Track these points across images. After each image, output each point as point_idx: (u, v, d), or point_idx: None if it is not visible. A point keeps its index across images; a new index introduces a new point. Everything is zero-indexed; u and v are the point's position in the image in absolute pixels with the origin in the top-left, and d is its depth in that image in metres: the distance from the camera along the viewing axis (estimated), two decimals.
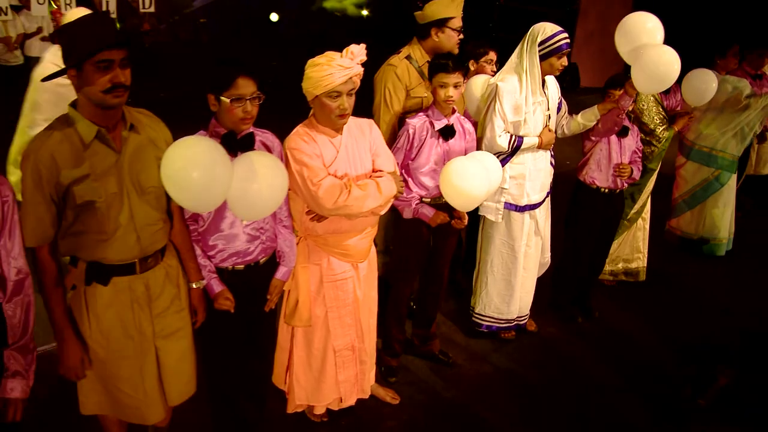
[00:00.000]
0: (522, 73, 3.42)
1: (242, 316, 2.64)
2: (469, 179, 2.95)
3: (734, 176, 4.94)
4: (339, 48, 2.59)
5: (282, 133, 2.71)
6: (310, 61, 2.62)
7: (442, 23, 3.33)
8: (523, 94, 3.42)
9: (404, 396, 3.38)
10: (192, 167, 2.03)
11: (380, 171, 2.83)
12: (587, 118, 3.72)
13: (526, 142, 3.46)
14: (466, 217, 3.30)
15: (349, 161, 2.76)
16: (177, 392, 2.49)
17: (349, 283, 2.93)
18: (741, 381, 3.45)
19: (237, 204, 2.22)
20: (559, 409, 3.34)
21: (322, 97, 2.60)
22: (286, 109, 3.55)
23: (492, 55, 4.02)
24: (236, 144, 2.42)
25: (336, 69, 2.55)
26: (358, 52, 2.61)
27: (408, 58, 3.38)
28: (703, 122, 4.79)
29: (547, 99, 3.52)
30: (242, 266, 2.60)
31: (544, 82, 3.48)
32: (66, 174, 2.07)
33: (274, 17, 14.64)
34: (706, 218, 4.96)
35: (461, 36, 3.40)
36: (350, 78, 2.58)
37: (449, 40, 3.36)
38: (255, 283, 2.69)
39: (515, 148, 3.44)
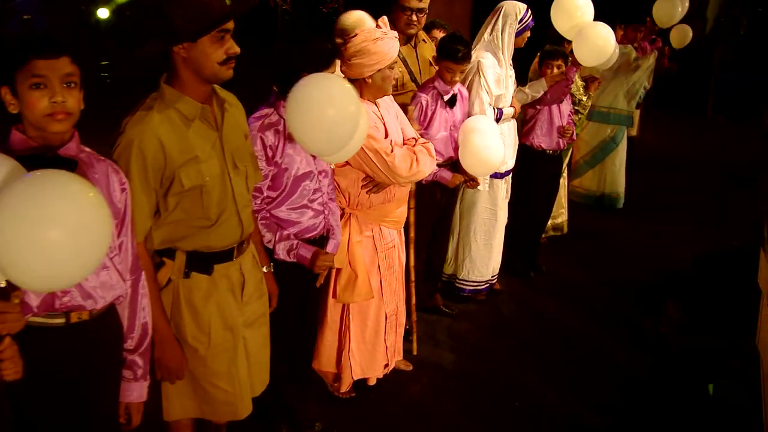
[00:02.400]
0: (498, 50, 3.64)
1: (296, 296, 2.55)
2: (492, 151, 3.13)
3: (626, 137, 5.62)
4: None
5: None
6: (364, 37, 2.58)
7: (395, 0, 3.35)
8: (503, 69, 3.64)
9: (415, 361, 3.46)
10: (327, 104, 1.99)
11: (413, 138, 2.88)
12: (536, 89, 4.03)
13: (506, 113, 3.69)
14: (479, 179, 3.47)
15: (392, 130, 2.78)
16: (260, 382, 2.36)
17: (396, 249, 3.02)
18: (688, 310, 4.01)
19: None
20: (552, 353, 3.64)
21: (385, 69, 2.62)
22: None
23: None
24: None
25: (393, 40, 2.58)
26: (387, 21, 2.67)
27: None
28: (601, 86, 5.38)
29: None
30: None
31: None
32: (174, 158, 1.88)
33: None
34: (606, 175, 5.61)
35: (413, 17, 3.33)
36: None
37: (397, 18, 3.35)
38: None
39: (497, 120, 3.64)
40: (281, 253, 2.42)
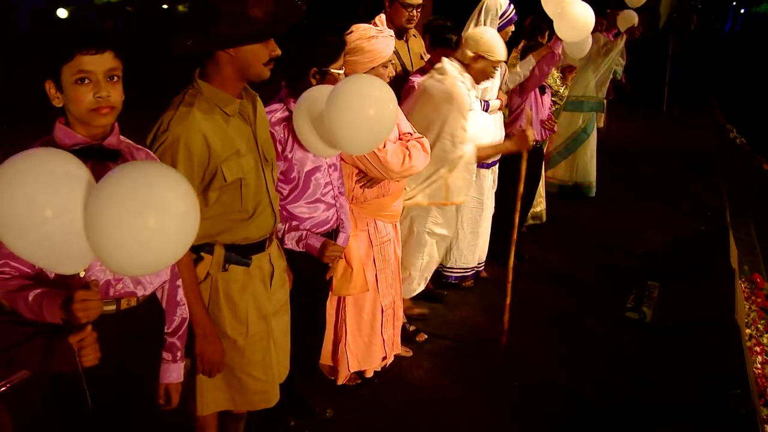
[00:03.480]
0: None
1: (307, 290, 2.61)
2: None
3: (595, 128, 5.83)
4: None
5: None
6: (359, 35, 2.65)
7: None
8: None
9: (414, 347, 3.58)
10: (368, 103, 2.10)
11: (408, 133, 2.96)
12: (526, 67, 4.18)
13: (493, 105, 3.81)
14: None
15: None
16: (284, 368, 2.43)
17: (391, 243, 3.05)
18: (667, 289, 4.21)
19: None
20: (543, 334, 3.80)
21: (379, 67, 2.68)
22: None
23: None
24: None
25: (389, 38, 2.65)
26: (384, 19, 2.74)
27: None
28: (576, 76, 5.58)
29: None
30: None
31: None
32: (218, 153, 1.94)
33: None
34: (578, 165, 5.82)
35: (412, 13, 3.43)
36: None
37: (398, 15, 3.44)
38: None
39: (485, 111, 3.76)
40: (290, 242, 2.48)
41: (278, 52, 1.93)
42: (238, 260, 2.11)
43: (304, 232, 2.49)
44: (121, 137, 1.75)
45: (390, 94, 2.21)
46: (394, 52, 3.40)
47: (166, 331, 1.91)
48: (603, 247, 5.01)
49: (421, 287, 3.66)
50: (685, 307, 3.97)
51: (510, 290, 3.56)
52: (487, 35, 3.19)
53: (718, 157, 7.66)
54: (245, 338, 2.16)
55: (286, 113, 2.41)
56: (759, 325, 4.00)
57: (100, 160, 1.61)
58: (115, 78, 1.62)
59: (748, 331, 3.90)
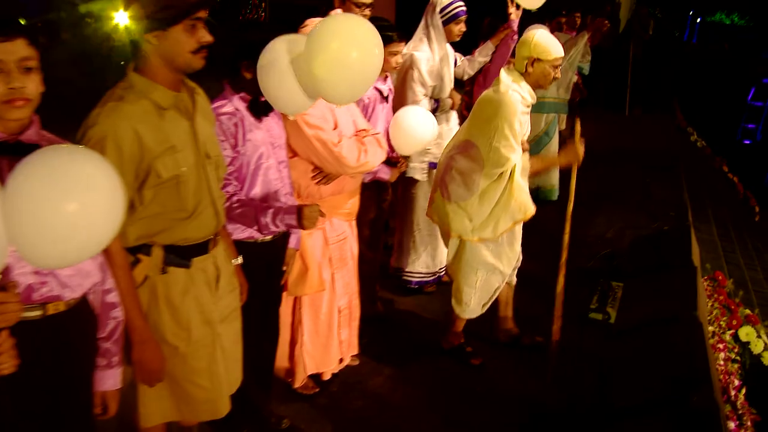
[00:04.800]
0: (430, 42, 3.70)
1: (260, 296, 2.51)
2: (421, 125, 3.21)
3: (557, 131, 5.81)
4: None
5: None
6: (311, 28, 2.56)
7: None
8: (436, 60, 3.70)
9: (374, 354, 3.48)
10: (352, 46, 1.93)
11: (364, 129, 2.89)
12: (485, 53, 4.14)
13: (443, 104, 3.75)
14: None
15: (343, 121, 2.79)
16: (234, 378, 2.32)
17: (348, 241, 2.98)
18: (629, 289, 4.19)
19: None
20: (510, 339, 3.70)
21: None
22: None
23: None
24: (262, 108, 2.34)
25: None
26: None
27: None
28: None
29: (450, 64, 3.84)
30: (271, 237, 2.49)
31: None
32: (151, 148, 1.83)
33: None
34: None
35: (367, 12, 3.32)
36: None
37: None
38: (272, 257, 2.58)
39: (434, 111, 3.70)
40: (269, 221, 2.34)
41: (208, 38, 1.84)
42: (178, 262, 2.00)
43: (277, 208, 2.36)
44: (44, 132, 1.64)
45: (377, 36, 2.03)
46: None
47: (100, 335, 1.80)
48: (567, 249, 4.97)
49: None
50: (649, 306, 3.94)
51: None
52: (537, 36, 3.03)
53: (680, 159, 7.74)
54: (188, 345, 2.05)
55: (233, 108, 2.33)
56: (722, 322, 4.00)
57: (17, 156, 1.50)
58: (31, 68, 1.51)
59: (710, 328, 3.89)
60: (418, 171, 3.84)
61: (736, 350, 3.93)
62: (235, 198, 2.32)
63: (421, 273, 4.07)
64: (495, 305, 3.53)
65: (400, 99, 3.65)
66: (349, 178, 2.84)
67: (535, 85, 3.10)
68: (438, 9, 3.66)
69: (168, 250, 1.98)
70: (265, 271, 2.52)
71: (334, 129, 2.71)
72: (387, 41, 3.15)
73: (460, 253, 3.28)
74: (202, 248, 2.05)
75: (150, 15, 1.75)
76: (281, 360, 2.98)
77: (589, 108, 9.33)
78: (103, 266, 1.78)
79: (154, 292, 1.99)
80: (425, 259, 4.03)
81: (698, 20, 17.88)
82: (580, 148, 3.16)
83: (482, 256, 3.24)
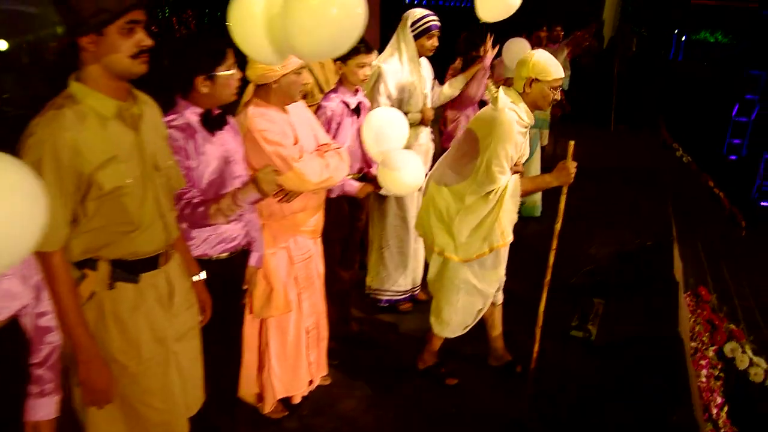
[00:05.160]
0: (401, 55, 3.65)
1: (219, 314, 2.42)
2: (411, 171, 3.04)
3: (539, 147, 5.76)
4: None
5: None
6: None
7: None
8: (405, 74, 3.64)
9: (345, 377, 3.38)
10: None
11: (325, 144, 2.83)
12: (455, 87, 4.09)
13: (410, 118, 3.69)
14: None
15: (304, 137, 2.72)
16: (194, 399, 2.23)
17: (313, 259, 2.90)
18: (611, 306, 4.10)
19: None
20: (485, 355, 3.61)
21: (291, 74, 2.56)
22: None
23: None
24: (216, 122, 2.28)
25: None
26: None
27: None
28: None
29: (424, 78, 3.78)
30: (227, 254, 2.40)
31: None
32: (91, 159, 1.75)
33: None
34: None
35: None
36: None
37: None
38: (229, 276, 2.49)
39: None
40: (226, 208, 2.23)
41: (148, 42, 1.76)
42: (126, 277, 1.91)
43: (233, 191, 2.27)
44: None
45: None
46: (309, 71, 3.30)
47: (32, 361, 1.69)
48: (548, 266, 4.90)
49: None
50: (630, 323, 3.86)
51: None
52: (536, 56, 2.93)
53: (665, 175, 7.71)
54: (138, 363, 1.95)
55: (184, 122, 2.25)
56: (704, 338, 3.92)
57: None
58: None
59: (693, 344, 3.82)
60: None
61: (719, 367, 3.86)
62: (196, 198, 2.24)
63: (391, 291, 3.98)
64: (482, 325, 3.44)
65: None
66: (311, 194, 2.76)
67: (533, 106, 3.01)
68: (409, 22, 3.61)
69: (115, 265, 1.89)
70: (222, 290, 2.42)
71: (295, 144, 2.64)
72: (354, 53, 3.10)
73: (443, 270, 3.19)
74: (151, 263, 1.96)
75: (82, 19, 1.67)
76: (250, 385, 2.88)
77: (573, 124, 9.34)
78: (38, 287, 1.69)
79: (101, 309, 1.90)
80: (395, 277, 3.94)
81: (683, 38, 18.13)
82: (572, 170, 3.08)
83: (464, 276, 3.15)
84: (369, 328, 3.87)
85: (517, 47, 4.91)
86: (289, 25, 1.81)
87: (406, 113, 3.63)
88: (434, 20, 3.63)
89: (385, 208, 3.83)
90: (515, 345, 3.69)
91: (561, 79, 2.99)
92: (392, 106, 3.58)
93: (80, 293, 1.86)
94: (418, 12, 3.63)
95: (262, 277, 2.71)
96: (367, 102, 3.40)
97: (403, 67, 3.64)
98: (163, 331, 2.01)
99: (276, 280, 2.73)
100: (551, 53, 5.50)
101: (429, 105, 3.83)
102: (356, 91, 3.27)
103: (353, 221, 3.45)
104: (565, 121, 7.27)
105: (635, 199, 6.72)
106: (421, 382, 3.36)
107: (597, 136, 9.89)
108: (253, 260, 2.55)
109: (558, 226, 3.20)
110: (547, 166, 6.24)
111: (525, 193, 3.12)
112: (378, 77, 3.59)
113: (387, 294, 4.00)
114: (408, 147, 3.69)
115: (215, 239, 2.35)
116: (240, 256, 2.48)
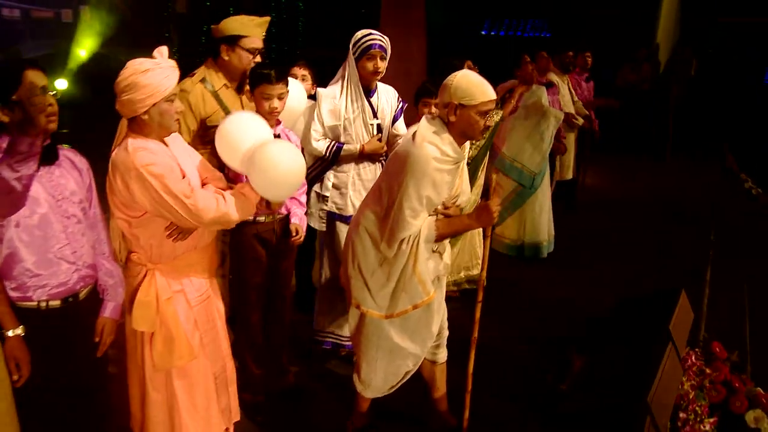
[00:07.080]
0: (344, 81, 3.43)
1: (61, 374, 2.23)
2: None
3: (547, 180, 5.31)
4: None
5: None
6: (133, 69, 2.29)
7: (233, 41, 3.12)
8: (343, 100, 3.40)
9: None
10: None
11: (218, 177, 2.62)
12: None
13: (346, 149, 3.42)
14: (302, 231, 3.19)
15: (188, 170, 2.49)
16: None
17: (212, 300, 2.70)
18: (591, 364, 3.62)
19: None
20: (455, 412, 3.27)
21: (161, 103, 2.32)
22: None
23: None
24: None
25: (169, 70, 2.32)
26: (165, 51, 2.41)
27: (203, 81, 3.16)
28: (510, 129, 5.10)
29: (374, 108, 3.47)
30: (58, 302, 2.21)
31: (371, 89, 3.45)
32: None
33: None
34: (526, 223, 5.28)
35: (256, 59, 3.18)
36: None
37: (240, 60, 3.15)
38: (74, 326, 2.30)
39: (334, 155, 3.38)
40: None
41: None
42: None
43: None
44: None
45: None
46: (220, 103, 3.11)
47: None
48: (540, 314, 4.48)
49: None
50: (604, 385, 3.38)
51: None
52: (458, 78, 2.60)
53: (717, 209, 6.97)
54: None
55: None
56: (697, 408, 3.36)
57: None
58: None
59: (682, 414, 3.28)
60: (315, 219, 3.56)
61: None
62: None
63: (333, 334, 3.71)
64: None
65: None
66: (203, 231, 2.53)
67: (462, 136, 2.65)
68: (351, 43, 3.37)
69: None
70: (64, 344, 2.26)
71: (183, 179, 2.41)
72: (258, 81, 2.89)
73: (361, 325, 2.89)
74: None
75: None
76: None
77: (623, 154, 8.73)
78: None
79: None
80: (339, 320, 3.64)
81: None
82: (495, 209, 2.70)
83: (385, 333, 2.83)
84: (309, 379, 3.59)
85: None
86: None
87: (342, 143, 3.39)
88: (375, 39, 3.32)
89: (324, 247, 3.65)
90: (479, 401, 3.29)
91: (491, 101, 2.60)
92: (324, 132, 3.35)
93: None
94: (361, 32, 3.38)
95: (161, 325, 2.49)
96: (293, 137, 3.16)
97: (343, 92, 3.40)
98: None
99: (175, 327, 2.50)
100: (538, 89, 5.08)
101: (383, 137, 3.52)
102: (278, 122, 3.04)
103: (276, 270, 3.21)
104: (592, 149, 6.75)
105: (669, 234, 6.13)
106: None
107: (647, 167, 9.24)
108: (106, 311, 2.42)
109: (483, 274, 2.82)
110: (574, 198, 5.77)
111: (441, 237, 2.74)
112: (316, 102, 3.43)
113: (330, 337, 3.75)
114: (343, 181, 3.45)
115: (36, 284, 2.18)
116: (75, 306, 2.31)
